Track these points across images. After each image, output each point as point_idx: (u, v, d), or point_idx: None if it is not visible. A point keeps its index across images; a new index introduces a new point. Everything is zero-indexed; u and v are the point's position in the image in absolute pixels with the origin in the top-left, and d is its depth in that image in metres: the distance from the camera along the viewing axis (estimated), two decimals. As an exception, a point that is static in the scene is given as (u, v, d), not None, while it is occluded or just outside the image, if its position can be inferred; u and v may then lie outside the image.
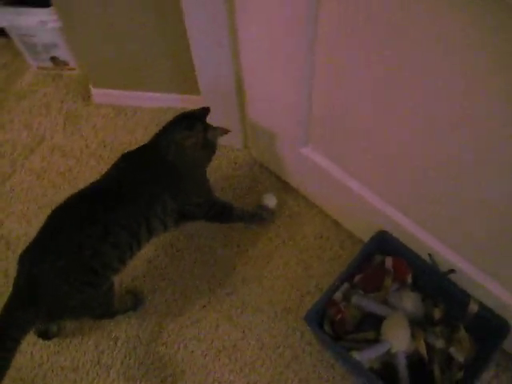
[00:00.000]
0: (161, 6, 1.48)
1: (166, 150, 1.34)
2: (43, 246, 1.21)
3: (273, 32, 1.20)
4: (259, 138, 1.66)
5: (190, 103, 1.85)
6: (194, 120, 1.39)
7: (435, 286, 1.37)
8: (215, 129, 1.41)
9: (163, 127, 1.39)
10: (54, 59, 1.96)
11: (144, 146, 1.39)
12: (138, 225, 1.30)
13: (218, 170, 1.77)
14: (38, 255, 1.20)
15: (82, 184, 1.30)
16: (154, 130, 1.85)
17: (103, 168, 1.77)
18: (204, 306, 1.54)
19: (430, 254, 1.34)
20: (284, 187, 1.72)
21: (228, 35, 1.32)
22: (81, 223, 1.22)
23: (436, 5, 0.82)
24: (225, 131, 1.42)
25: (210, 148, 1.42)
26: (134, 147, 1.41)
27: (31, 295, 1.18)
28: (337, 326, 1.39)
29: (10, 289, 1.21)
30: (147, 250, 1.60)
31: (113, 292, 1.38)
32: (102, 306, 1.38)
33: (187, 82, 1.76)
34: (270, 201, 1.65)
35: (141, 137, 1.86)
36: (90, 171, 1.80)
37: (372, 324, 1.38)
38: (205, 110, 1.42)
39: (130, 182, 1.32)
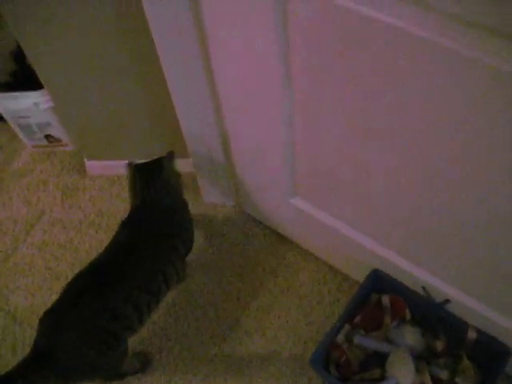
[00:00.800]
0: (147, 79, 1.59)
1: (160, 198, 1.43)
2: (64, 312, 1.26)
3: (249, 89, 1.29)
4: (249, 192, 1.74)
5: (180, 166, 1.94)
6: (155, 162, 1.49)
7: (433, 318, 1.41)
8: (168, 157, 1.52)
9: (138, 185, 1.46)
10: (48, 137, 2.06)
11: (137, 207, 1.47)
12: (157, 281, 1.36)
13: (212, 228, 1.84)
14: (59, 320, 1.25)
15: (83, 253, 1.37)
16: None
17: (102, 236, 1.86)
18: (211, 361, 1.57)
19: (423, 287, 1.39)
20: (278, 238, 1.78)
21: (209, 96, 1.41)
22: (100, 290, 1.28)
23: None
24: (172, 154, 1.52)
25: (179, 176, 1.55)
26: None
27: (47, 358, 1.21)
28: (342, 367, 1.42)
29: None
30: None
31: (127, 353, 1.42)
32: (114, 369, 1.42)
33: (176, 146, 1.86)
34: None
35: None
36: (90, 240, 1.87)
37: (376, 362, 1.42)
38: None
39: (142, 242, 1.38)
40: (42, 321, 1.27)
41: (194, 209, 1.86)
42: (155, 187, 1.44)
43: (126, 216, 1.48)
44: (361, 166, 1.23)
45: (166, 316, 1.67)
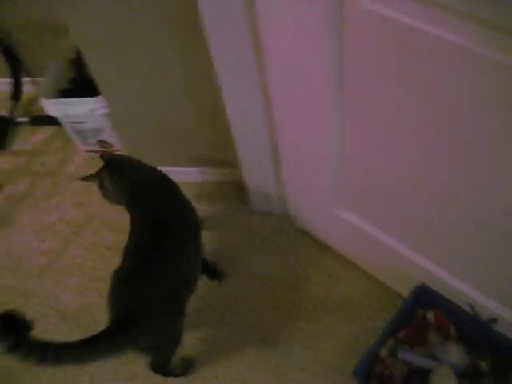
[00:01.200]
0: (201, 87, 1.64)
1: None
2: (137, 279, 1.32)
3: (301, 101, 1.32)
4: (295, 202, 1.76)
5: (226, 176, 1.99)
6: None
7: (479, 336, 1.39)
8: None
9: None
10: (100, 142, 2.14)
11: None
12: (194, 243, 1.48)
13: (257, 236, 1.86)
14: (135, 288, 1.31)
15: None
16: (195, 203, 2.00)
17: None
18: (250, 368, 1.59)
19: (470, 304, 1.37)
20: (322, 248, 1.79)
21: (262, 106, 1.45)
22: (163, 256, 1.36)
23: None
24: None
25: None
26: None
27: (127, 324, 1.26)
28: (385, 381, 1.41)
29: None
30: (193, 317, 1.69)
31: (182, 334, 1.46)
32: (173, 347, 1.48)
33: (223, 156, 1.90)
34: None
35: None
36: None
37: (419, 378, 1.40)
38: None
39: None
40: (116, 290, 1.32)
41: (240, 217, 1.91)
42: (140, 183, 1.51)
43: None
44: (408, 179, 1.23)
45: (206, 320, 1.70)
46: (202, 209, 1.96)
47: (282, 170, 1.66)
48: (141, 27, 1.49)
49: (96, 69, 1.68)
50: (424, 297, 1.47)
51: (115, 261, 1.87)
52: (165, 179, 1.57)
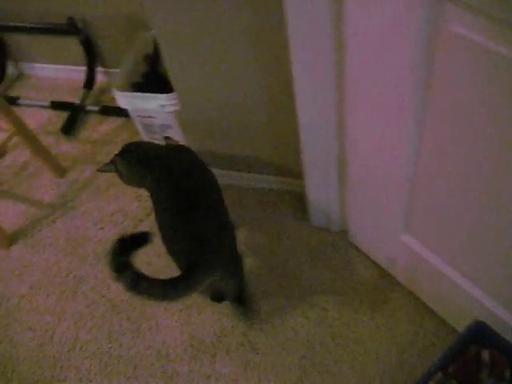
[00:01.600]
0: (275, 93, 1.64)
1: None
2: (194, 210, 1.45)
3: (379, 120, 1.30)
4: (357, 222, 1.74)
5: (288, 186, 1.98)
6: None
7: (535, 382, 1.34)
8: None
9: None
10: (166, 138, 2.17)
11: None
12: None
13: (314, 251, 1.85)
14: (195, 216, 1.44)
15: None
16: (257, 209, 2.00)
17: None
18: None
19: (529, 348, 1.33)
20: (379, 271, 1.76)
21: (336, 118, 1.44)
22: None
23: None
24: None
25: None
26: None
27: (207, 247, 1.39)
28: (430, 415, 1.38)
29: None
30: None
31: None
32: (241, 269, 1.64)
33: (288, 165, 1.90)
34: None
35: (247, 214, 2.00)
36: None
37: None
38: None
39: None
40: (178, 241, 1.44)
41: (298, 229, 1.91)
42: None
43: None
44: (481, 210, 1.20)
45: (258, 332, 1.71)
46: (261, 215, 1.98)
47: (347, 188, 1.64)
48: (221, 26, 1.50)
49: (172, 65, 1.71)
50: (481, 334, 1.42)
51: (168, 257, 1.92)
52: (184, 152, 1.68)
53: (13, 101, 2.67)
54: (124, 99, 2.05)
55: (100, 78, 2.70)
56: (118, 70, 2.56)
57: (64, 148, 2.45)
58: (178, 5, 1.49)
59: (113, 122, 2.51)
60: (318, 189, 1.74)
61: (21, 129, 2.12)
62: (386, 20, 1.04)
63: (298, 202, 1.97)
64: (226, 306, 1.76)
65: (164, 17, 1.55)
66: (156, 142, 1.67)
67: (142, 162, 1.60)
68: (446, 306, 1.59)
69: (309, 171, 1.68)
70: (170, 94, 1.91)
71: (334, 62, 1.27)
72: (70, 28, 2.45)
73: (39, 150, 2.23)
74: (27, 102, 2.70)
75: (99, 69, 2.68)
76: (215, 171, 1.99)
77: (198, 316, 1.76)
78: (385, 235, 1.62)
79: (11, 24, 2.61)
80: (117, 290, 1.88)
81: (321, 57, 1.27)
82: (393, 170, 1.37)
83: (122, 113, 2.43)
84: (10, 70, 2.92)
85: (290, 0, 1.17)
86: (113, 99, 2.53)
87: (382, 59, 1.13)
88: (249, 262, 1.85)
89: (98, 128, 2.51)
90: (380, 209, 1.56)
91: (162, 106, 1.95)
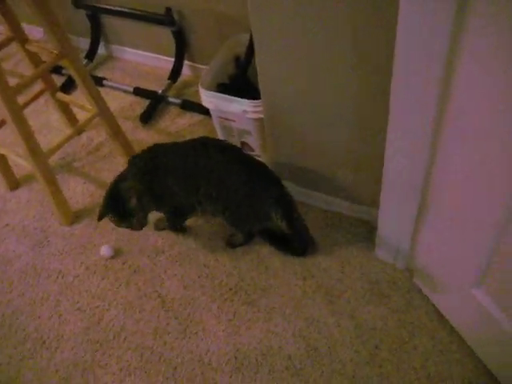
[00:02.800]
0: (365, 118, 1.61)
1: None
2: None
3: (473, 159, 1.25)
4: (426, 264, 1.68)
5: (358, 212, 1.94)
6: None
7: None
8: None
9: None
10: (243, 144, 2.17)
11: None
12: None
13: (375, 286, 1.79)
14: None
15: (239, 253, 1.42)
16: (323, 232, 1.96)
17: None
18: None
19: None
20: (439, 319, 1.68)
21: (427, 157, 1.39)
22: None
23: None
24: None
25: None
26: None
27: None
28: None
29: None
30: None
31: None
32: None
33: (363, 192, 1.86)
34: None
35: (312, 235, 1.96)
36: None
37: None
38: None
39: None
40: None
41: (360, 259, 1.86)
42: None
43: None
44: None
45: (304, 357, 1.67)
46: (326, 238, 1.95)
47: (422, 228, 1.59)
48: (323, 42, 1.48)
49: (264, 71, 1.70)
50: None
51: (228, 264, 1.92)
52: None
53: (99, 81, 2.73)
54: (208, 98, 2.06)
55: (186, 71, 2.73)
56: (204, 66, 2.60)
57: (140, 135, 2.49)
58: (283, 11, 1.48)
59: (191, 118, 2.53)
60: (392, 222, 1.69)
61: (103, 110, 2.16)
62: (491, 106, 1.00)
63: (366, 231, 1.93)
64: (275, 325, 1.74)
65: (266, 21, 1.54)
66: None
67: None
68: (507, 370, 1.50)
69: (385, 204, 1.64)
70: (255, 101, 1.91)
71: (433, 123, 1.24)
72: (166, 18, 2.49)
73: (116, 134, 2.27)
74: (112, 84, 2.76)
75: (186, 62, 2.71)
76: (287, 184, 1.99)
77: (246, 330, 1.74)
78: (454, 285, 1.56)
79: (110, 7, 2.67)
80: (170, 287, 1.88)
81: (422, 112, 1.26)
82: (479, 219, 1.31)
83: (201, 110, 2.45)
84: (101, 50, 3.00)
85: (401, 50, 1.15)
86: (194, 94, 2.58)
87: (481, 140, 1.09)
88: (305, 284, 1.83)
89: (176, 121, 2.54)
90: (455, 256, 1.49)
91: (245, 111, 1.95)
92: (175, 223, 2.01)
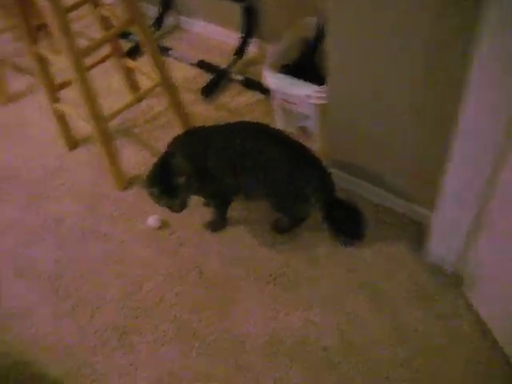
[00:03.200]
0: (434, 123, 1.57)
1: None
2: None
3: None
4: (477, 274, 1.63)
5: (411, 211, 1.89)
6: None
7: None
8: None
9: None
10: (301, 128, 2.14)
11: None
12: None
13: (421, 288, 1.75)
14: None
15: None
16: (374, 227, 1.93)
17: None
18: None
19: None
20: (483, 330, 1.63)
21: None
22: None
23: None
24: None
25: None
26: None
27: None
28: None
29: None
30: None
31: None
32: None
33: (419, 192, 1.81)
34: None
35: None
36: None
37: None
38: None
39: None
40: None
41: (410, 260, 1.82)
42: None
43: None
44: None
45: (339, 351, 1.65)
46: (376, 233, 1.90)
47: (476, 238, 1.53)
48: (402, 33, 1.44)
49: (333, 58, 1.66)
50: None
51: (274, 249, 1.91)
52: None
53: (165, 51, 2.74)
54: (271, 79, 2.03)
55: (252, 48, 2.70)
56: (271, 46, 2.57)
57: (199, 109, 2.49)
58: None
59: (252, 96, 2.51)
60: (445, 227, 1.64)
61: (166, 80, 2.17)
62: None
63: (417, 231, 1.88)
64: (315, 314, 1.72)
65: (345, 6, 1.51)
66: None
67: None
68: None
69: (441, 208, 1.59)
70: (319, 87, 1.87)
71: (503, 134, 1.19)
72: (238, -7, 2.47)
73: (176, 105, 2.27)
74: (177, 55, 2.76)
75: (253, 39, 2.68)
76: (341, 174, 1.95)
77: (285, 316, 1.73)
78: (503, 298, 1.50)
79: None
80: (213, 263, 1.89)
81: (491, 122, 1.22)
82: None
83: (263, 89, 2.43)
84: (170, 20, 3.01)
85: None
86: (258, 72, 2.55)
87: None
88: (349, 277, 1.80)
89: (236, 98, 2.52)
90: (508, 270, 1.43)
91: (308, 95, 1.92)
92: (221, 208, 1.98)
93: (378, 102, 1.66)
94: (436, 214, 1.63)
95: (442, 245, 1.71)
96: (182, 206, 1.81)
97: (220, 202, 1.95)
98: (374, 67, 1.58)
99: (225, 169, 1.78)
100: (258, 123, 1.83)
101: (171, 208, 1.81)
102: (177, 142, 1.84)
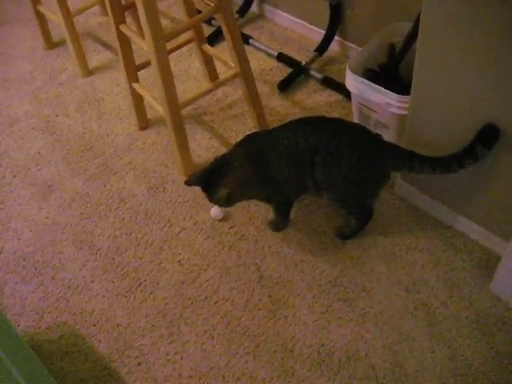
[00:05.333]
0: None
1: None
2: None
3: None
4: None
5: (486, 239, 1.83)
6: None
7: None
8: None
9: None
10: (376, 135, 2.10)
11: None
12: None
13: (481, 319, 1.69)
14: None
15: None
16: (440, 249, 1.88)
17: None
18: None
19: None
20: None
21: None
22: None
23: None
24: None
25: None
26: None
27: None
28: None
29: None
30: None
31: None
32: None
33: (495, 220, 1.75)
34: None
35: (430, 248, 1.89)
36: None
37: None
38: None
39: None
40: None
41: (475, 289, 1.77)
42: None
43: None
44: None
45: (388, 372, 1.62)
46: (442, 256, 1.85)
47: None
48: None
49: (421, 68, 1.62)
50: None
51: (333, 256, 1.89)
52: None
53: (246, 39, 2.74)
54: (352, 81, 2.00)
55: (334, 46, 2.66)
56: (354, 46, 2.54)
57: (274, 102, 2.48)
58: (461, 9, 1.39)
59: (329, 96, 2.48)
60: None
61: (245, 71, 2.17)
62: None
63: (486, 259, 1.81)
64: (367, 330, 1.69)
65: (440, 14, 1.46)
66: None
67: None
68: None
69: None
70: (402, 96, 1.83)
71: None
72: (327, -11, 2.44)
73: (252, 97, 2.27)
74: (257, 44, 2.75)
75: (336, 38, 2.64)
76: (412, 190, 1.90)
77: (336, 327, 1.72)
78: None
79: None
80: (270, 263, 1.89)
81: None
82: None
83: (341, 90, 2.40)
84: (254, 8, 3.00)
85: None
86: (337, 72, 2.53)
87: None
88: (408, 297, 1.76)
89: (313, 95, 2.49)
90: None
91: (389, 104, 1.87)
92: (282, 211, 1.96)
93: (461, 123, 1.61)
94: (510, 247, 1.57)
95: (511, 279, 1.64)
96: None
97: (281, 204, 1.94)
98: (462, 86, 1.53)
99: (292, 169, 1.76)
100: (312, 117, 1.84)
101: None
102: (239, 147, 1.83)
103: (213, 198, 1.78)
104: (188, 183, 1.83)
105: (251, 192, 1.83)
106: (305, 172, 1.75)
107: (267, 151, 1.76)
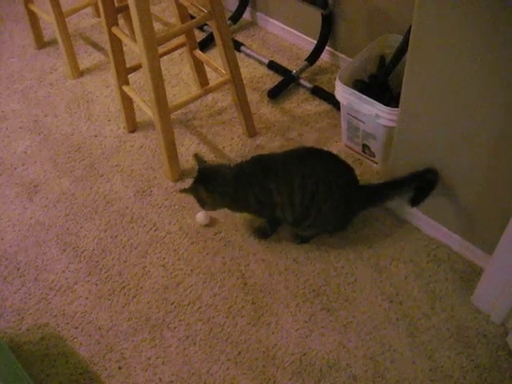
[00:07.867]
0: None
1: None
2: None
3: None
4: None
5: (469, 252, 1.84)
6: None
7: None
8: None
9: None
10: (364, 146, 2.11)
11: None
12: None
13: (461, 332, 1.70)
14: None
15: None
16: (423, 260, 1.89)
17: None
18: None
19: None
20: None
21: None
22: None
23: None
24: None
25: None
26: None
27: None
28: None
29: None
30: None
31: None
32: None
33: (478, 233, 1.77)
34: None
35: (413, 259, 1.90)
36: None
37: None
38: None
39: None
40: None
41: (456, 301, 1.78)
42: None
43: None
44: None
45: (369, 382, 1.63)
46: (425, 267, 1.87)
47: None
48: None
49: (410, 81, 1.63)
50: None
51: (318, 266, 1.89)
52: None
53: (237, 46, 2.75)
54: (342, 92, 2.01)
55: (324, 56, 2.68)
56: (344, 56, 2.55)
57: (263, 110, 2.49)
58: (452, 23, 1.41)
59: (318, 106, 2.49)
60: (500, 275, 1.59)
61: (235, 78, 2.17)
62: None
63: (468, 272, 1.83)
64: (349, 340, 1.70)
65: (430, 27, 1.47)
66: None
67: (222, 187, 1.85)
68: None
69: (500, 255, 1.54)
70: (391, 108, 1.84)
71: None
72: (321, 0, 2.45)
73: (242, 103, 2.27)
74: (249, 52, 2.76)
75: (327, 48, 2.66)
76: (396, 200, 1.91)
77: (319, 336, 1.72)
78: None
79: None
80: (255, 270, 1.89)
81: None
82: None
83: (330, 100, 2.42)
84: (246, 15, 3.01)
85: None
86: (327, 82, 2.55)
87: None
88: (391, 308, 1.77)
89: (302, 104, 2.51)
90: None
91: (378, 115, 1.89)
92: (273, 224, 1.99)
93: (451, 136, 1.63)
94: (493, 261, 1.59)
95: (492, 293, 1.66)
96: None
97: (270, 219, 1.97)
98: (452, 98, 1.54)
99: (292, 195, 1.79)
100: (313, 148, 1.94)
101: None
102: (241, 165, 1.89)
103: (197, 193, 1.87)
104: (195, 157, 1.95)
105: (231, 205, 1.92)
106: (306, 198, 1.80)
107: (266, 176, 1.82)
